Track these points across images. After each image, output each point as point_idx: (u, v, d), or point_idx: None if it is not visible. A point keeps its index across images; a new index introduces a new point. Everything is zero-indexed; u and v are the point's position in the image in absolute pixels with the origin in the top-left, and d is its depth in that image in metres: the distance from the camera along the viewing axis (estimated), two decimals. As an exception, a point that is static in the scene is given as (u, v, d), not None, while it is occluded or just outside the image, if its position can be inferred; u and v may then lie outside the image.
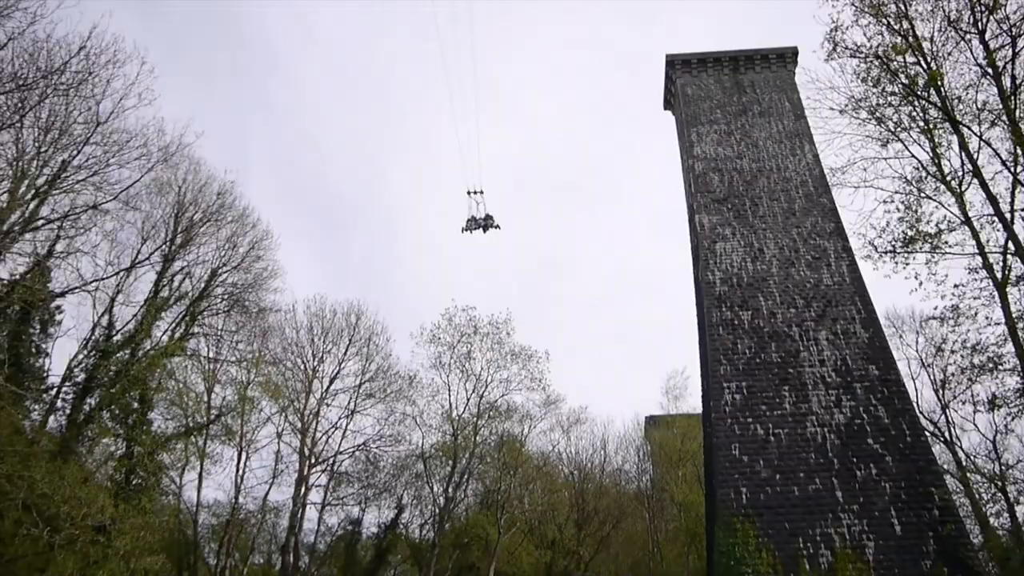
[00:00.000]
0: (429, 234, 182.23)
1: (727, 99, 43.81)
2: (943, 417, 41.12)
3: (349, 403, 46.85)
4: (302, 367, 45.89)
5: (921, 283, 24.63)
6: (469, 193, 31.90)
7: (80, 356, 29.77)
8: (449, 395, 46.21)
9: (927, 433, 33.42)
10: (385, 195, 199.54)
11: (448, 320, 46.09)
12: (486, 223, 32.23)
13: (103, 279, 29.82)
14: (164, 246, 32.63)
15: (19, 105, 23.64)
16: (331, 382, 46.56)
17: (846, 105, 26.22)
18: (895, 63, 24.48)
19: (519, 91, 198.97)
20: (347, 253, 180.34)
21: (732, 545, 27.10)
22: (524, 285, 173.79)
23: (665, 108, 50.10)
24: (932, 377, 41.66)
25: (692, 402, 63.45)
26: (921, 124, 25.18)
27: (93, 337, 30.42)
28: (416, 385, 47.60)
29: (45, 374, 29.87)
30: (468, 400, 46.10)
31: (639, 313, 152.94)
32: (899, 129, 25.48)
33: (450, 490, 45.26)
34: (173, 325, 33.17)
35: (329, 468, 46.99)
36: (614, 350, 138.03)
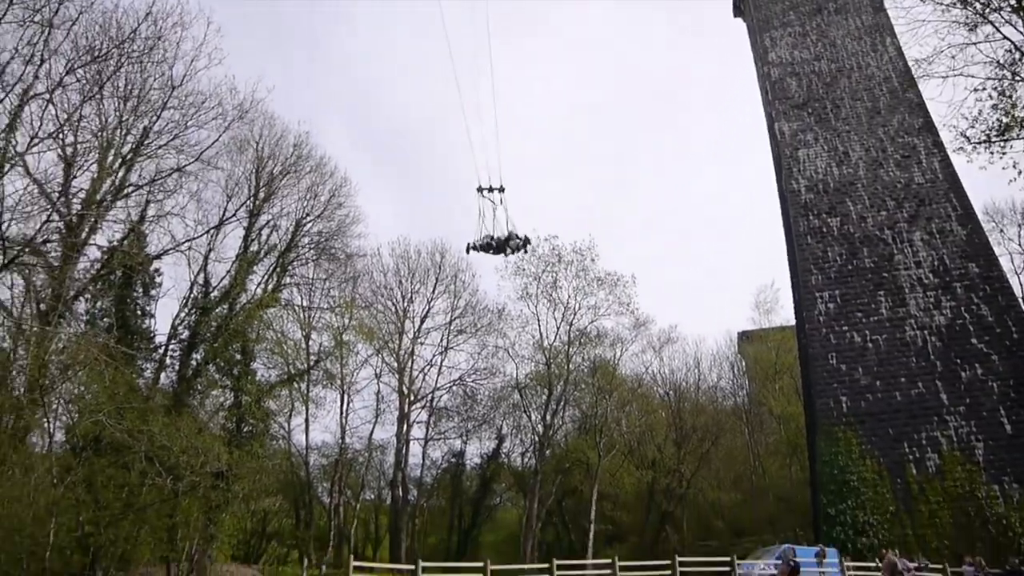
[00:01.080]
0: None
1: (801, -2, 41.93)
2: (1052, 311, 39.47)
3: (442, 340, 48.07)
4: (393, 309, 47.06)
5: (1021, 172, 23.31)
6: (480, 190, 21.38)
7: (182, 314, 31.21)
8: (539, 325, 46.80)
9: (1035, 328, 32.19)
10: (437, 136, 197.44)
11: (531, 251, 45.97)
12: (508, 243, 21.35)
13: (195, 238, 31.04)
14: (248, 201, 33.59)
15: (97, 76, 24.37)
16: (422, 321, 47.72)
17: (928, -10, 24.70)
18: (979, -61, 22.93)
19: (519, 89, 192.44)
20: (415, 193, 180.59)
21: (835, 454, 26.90)
22: (590, 220, 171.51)
23: (735, 15, 48.31)
24: (1039, 270, 39.96)
25: (784, 315, 62.22)
26: (1013, 2, 23.58)
27: (192, 295, 31.73)
28: (505, 318, 48.42)
29: (152, 334, 31.37)
30: (558, 329, 46.61)
31: (718, 235, 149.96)
32: (988, 10, 23.88)
33: (548, 417, 45.94)
34: (265, 277, 34.33)
35: (428, 404, 48.41)
36: (696, 272, 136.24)
